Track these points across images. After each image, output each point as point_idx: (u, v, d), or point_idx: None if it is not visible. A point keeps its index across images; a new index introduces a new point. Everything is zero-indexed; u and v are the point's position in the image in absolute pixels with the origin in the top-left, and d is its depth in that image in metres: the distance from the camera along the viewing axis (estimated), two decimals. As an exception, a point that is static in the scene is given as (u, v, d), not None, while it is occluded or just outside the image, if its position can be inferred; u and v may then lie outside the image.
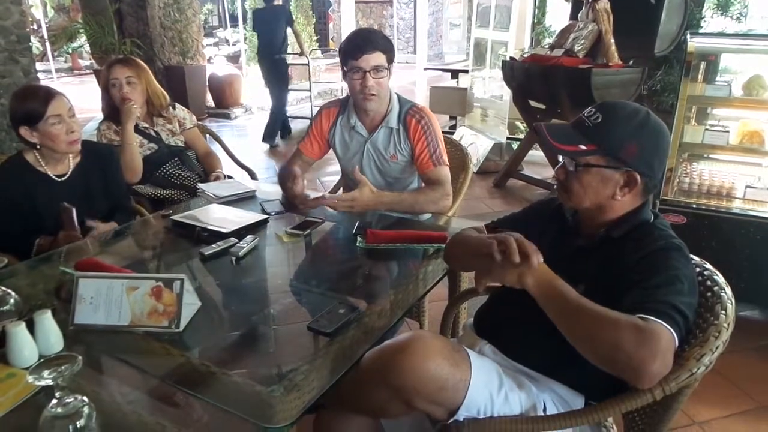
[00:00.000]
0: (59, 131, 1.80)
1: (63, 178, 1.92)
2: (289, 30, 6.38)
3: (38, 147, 1.85)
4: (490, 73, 5.75)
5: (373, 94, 1.88)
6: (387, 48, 1.89)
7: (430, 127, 1.97)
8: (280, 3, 6.49)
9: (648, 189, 1.20)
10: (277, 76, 6.29)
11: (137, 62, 2.43)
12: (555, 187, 1.29)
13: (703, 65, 2.71)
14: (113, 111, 2.36)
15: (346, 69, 1.90)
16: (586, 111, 1.20)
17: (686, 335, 1.07)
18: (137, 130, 2.39)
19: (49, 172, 1.89)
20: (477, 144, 5.33)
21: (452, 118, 6.41)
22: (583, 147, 1.16)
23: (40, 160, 1.88)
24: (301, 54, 6.90)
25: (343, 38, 1.99)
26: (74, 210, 1.73)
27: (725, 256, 2.43)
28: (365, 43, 1.84)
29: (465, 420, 1.11)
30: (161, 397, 1.22)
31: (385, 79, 1.90)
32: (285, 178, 2.00)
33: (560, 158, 1.25)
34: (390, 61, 1.91)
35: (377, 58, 1.85)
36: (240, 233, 1.74)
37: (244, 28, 10.13)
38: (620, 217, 1.21)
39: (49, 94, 1.81)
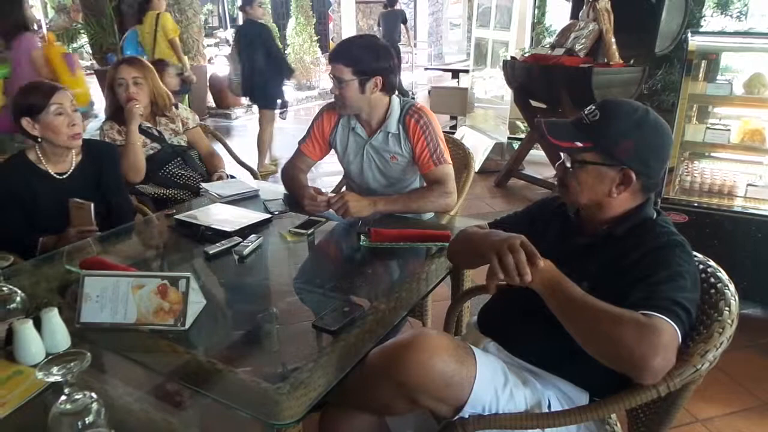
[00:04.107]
0: (61, 123, 1.81)
1: (64, 176, 1.92)
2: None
3: (39, 140, 1.85)
4: (491, 72, 5.75)
5: (337, 102, 1.96)
6: (355, 61, 1.86)
7: (429, 127, 1.97)
8: (399, 7, 8.48)
9: (647, 187, 1.20)
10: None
11: (143, 62, 2.43)
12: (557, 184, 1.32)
13: (704, 64, 2.71)
14: (117, 111, 2.36)
15: None
16: (587, 108, 1.22)
17: (689, 331, 1.07)
18: (140, 129, 2.39)
19: (50, 170, 1.90)
20: (478, 144, 5.33)
21: (453, 118, 6.41)
22: (579, 144, 1.18)
23: (42, 157, 1.89)
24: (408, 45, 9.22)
25: (343, 38, 2.04)
26: (92, 205, 1.76)
27: (727, 255, 2.43)
28: (334, 53, 1.91)
29: (470, 417, 1.11)
30: (163, 396, 1.23)
31: (346, 90, 1.89)
32: (291, 181, 2.07)
33: (561, 155, 1.26)
34: (358, 73, 1.86)
35: (337, 69, 1.88)
36: (244, 232, 1.74)
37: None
38: (622, 215, 1.21)
39: (53, 87, 1.85)
